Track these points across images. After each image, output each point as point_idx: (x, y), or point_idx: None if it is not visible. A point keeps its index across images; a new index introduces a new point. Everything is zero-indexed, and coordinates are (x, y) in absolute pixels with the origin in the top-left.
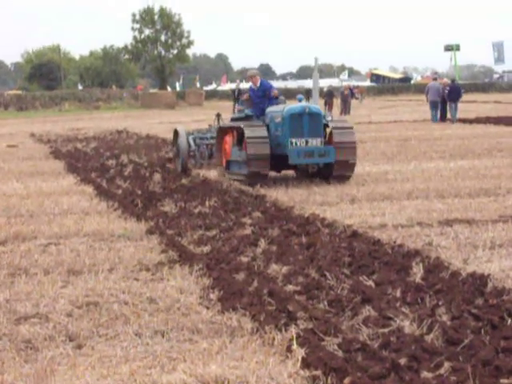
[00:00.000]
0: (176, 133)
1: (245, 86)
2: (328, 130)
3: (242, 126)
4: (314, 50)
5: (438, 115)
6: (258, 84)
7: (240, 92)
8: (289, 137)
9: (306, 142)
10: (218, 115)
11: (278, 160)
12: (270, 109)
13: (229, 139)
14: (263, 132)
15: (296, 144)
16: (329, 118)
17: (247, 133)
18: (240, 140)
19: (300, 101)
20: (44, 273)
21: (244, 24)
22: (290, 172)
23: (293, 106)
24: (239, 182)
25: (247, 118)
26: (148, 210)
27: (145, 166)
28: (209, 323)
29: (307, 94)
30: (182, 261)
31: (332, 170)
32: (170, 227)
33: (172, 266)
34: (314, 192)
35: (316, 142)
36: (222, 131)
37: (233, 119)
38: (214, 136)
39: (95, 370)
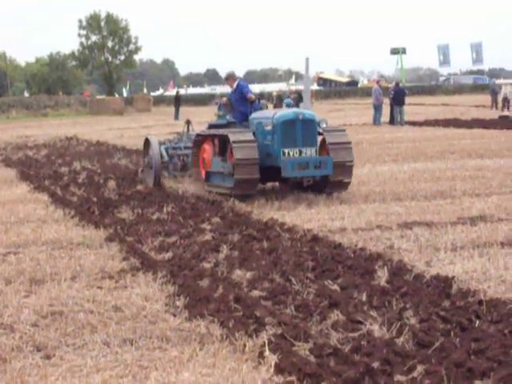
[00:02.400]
0: (147, 142)
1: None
2: (320, 139)
3: (225, 132)
4: (259, 54)
5: (381, 118)
6: (235, 86)
7: (179, 97)
8: (281, 146)
9: (300, 152)
10: (188, 122)
11: (267, 172)
12: (255, 115)
13: (208, 148)
14: (250, 136)
15: (289, 154)
16: (323, 125)
17: (232, 137)
18: (222, 149)
19: (288, 106)
20: (6, 282)
21: (190, 29)
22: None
23: (284, 111)
24: (222, 195)
25: (228, 124)
26: (105, 217)
27: (98, 172)
28: (177, 331)
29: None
30: (144, 268)
31: (328, 176)
32: (129, 234)
33: (135, 273)
34: (271, 197)
35: (310, 152)
36: (200, 139)
37: (211, 126)
38: (188, 146)
39: (66, 381)
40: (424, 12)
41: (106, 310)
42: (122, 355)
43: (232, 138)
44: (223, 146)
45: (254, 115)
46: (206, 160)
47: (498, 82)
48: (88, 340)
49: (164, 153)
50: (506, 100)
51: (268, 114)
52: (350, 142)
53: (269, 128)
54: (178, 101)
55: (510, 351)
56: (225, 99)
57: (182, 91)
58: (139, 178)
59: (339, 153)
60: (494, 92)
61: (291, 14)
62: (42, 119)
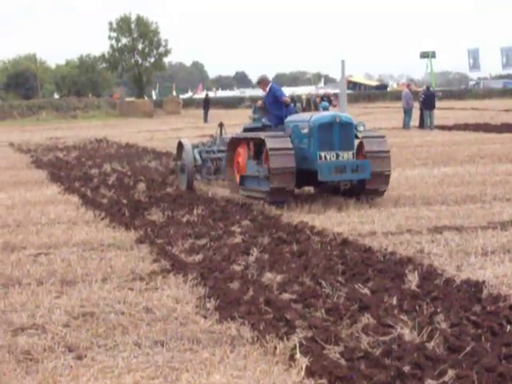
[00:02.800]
0: (180, 146)
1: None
2: (357, 142)
3: (262, 136)
4: (288, 57)
5: (410, 122)
6: (267, 89)
7: (208, 100)
8: (317, 150)
9: (337, 156)
10: (221, 125)
11: (303, 176)
12: (291, 118)
13: (242, 151)
14: (287, 143)
15: (326, 158)
16: (361, 129)
17: (269, 144)
18: (258, 152)
19: (324, 109)
20: (37, 283)
21: (219, 32)
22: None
23: (321, 114)
24: (257, 200)
25: (264, 128)
26: (135, 219)
27: (128, 174)
28: (208, 333)
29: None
30: (175, 270)
31: (364, 184)
32: (160, 236)
33: (165, 275)
34: (301, 200)
35: (348, 156)
36: (234, 143)
37: (246, 129)
38: (221, 149)
39: (98, 381)
40: (454, 16)
41: (136, 312)
42: (153, 356)
43: (269, 144)
44: (258, 150)
45: (290, 118)
46: (240, 164)
47: None
48: (119, 341)
49: (197, 156)
50: None
51: (304, 117)
52: (388, 151)
53: (305, 131)
54: (207, 104)
55: None
56: (260, 102)
57: (212, 94)
58: (171, 181)
59: (377, 162)
60: None
61: (321, 18)
62: (71, 121)
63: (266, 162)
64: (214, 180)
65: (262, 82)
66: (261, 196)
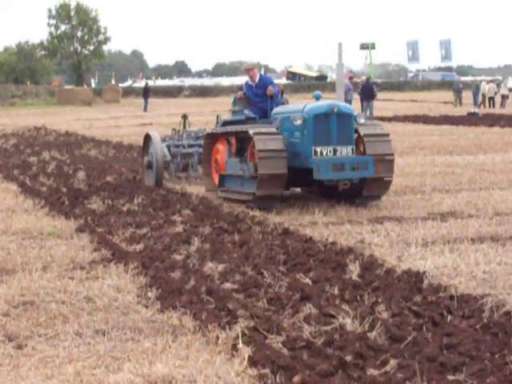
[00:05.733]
0: (148, 139)
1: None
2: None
3: (250, 132)
4: (228, 47)
5: None
6: (257, 79)
7: (147, 89)
8: (312, 144)
9: (334, 151)
10: (185, 117)
11: (293, 175)
12: (278, 109)
13: (222, 148)
14: (278, 143)
15: (321, 153)
16: (361, 121)
17: (259, 144)
18: (241, 149)
19: (318, 98)
20: None
21: (159, 21)
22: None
23: (316, 104)
24: (239, 203)
25: (246, 121)
26: (75, 208)
27: (67, 163)
28: (149, 322)
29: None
30: (115, 259)
31: (362, 188)
32: (100, 225)
33: (106, 264)
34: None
35: (346, 151)
36: (212, 137)
37: (226, 122)
38: (192, 143)
39: (39, 371)
40: (394, 8)
41: (77, 301)
42: (95, 346)
43: (259, 145)
44: (241, 146)
45: (278, 110)
46: (219, 162)
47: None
48: (60, 330)
49: (166, 151)
50: (489, 98)
51: (297, 107)
52: (392, 154)
53: (298, 123)
54: (146, 92)
55: (481, 346)
56: (240, 93)
57: (151, 83)
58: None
59: (379, 167)
60: (458, 90)
61: (261, 7)
62: (9, 109)
63: (251, 159)
64: (184, 178)
65: (251, 70)
66: (244, 198)
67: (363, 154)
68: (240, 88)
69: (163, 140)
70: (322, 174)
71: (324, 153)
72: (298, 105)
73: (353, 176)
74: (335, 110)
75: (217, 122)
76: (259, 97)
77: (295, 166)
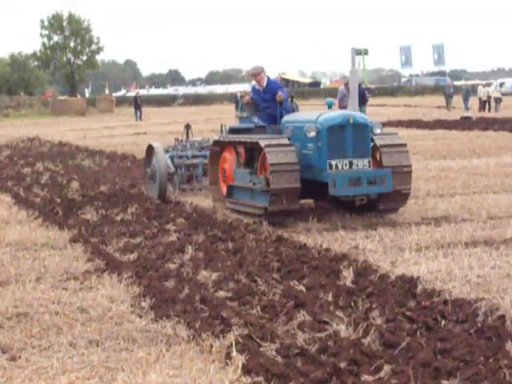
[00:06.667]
0: (151, 150)
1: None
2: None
3: (261, 144)
4: (222, 55)
5: None
6: (265, 84)
7: (139, 99)
8: (326, 157)
9: (350, 164)
10: (188, 126)
11: (307, 186)
12: (289, 118)
13: (230, 157)
14: (291, 156)
15: (337, 167)
16: (378, 131)
17: (271, 158)
18: (250, 159)
19: (330, 106)
20: None
21: (153, 30)
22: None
23: (330, 114)
24: (249, 216)
25: (255, 129)
26: (69, 219)
27: (61, 173)
28: (143, 332)
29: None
30: (109, 269)
31: (378, 200)
32: (94, 235)
33: (100, 274)
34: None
35: (363, 164)
36: (219, 146)
37: (232, 130)
38: (196, 154)
39: (33, 383)
40: (386, 13)
41: (71, 312)
42: (89, 357)
43: (271, 158)
44: (251, 156)
45: (288, 118)
46: (227, 171)
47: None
48: (54, 341)
49: (169, 162)
50: (485, 101)
51: (309, 117)
52: (410, 165)
53: (312, 135)
54: (136, 102)
55: (475, 351)
56: (247, 98)
57: (145, 92)
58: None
59: (396, 178)
60: (449, 94)
61: (253, 16)
62: (3, 120)
63: (262, 171)
64: (188, 189)
65: (258, 75)
66: (255, 212)
67: (380, 166)
68: (236, 96)
69: (166, 151)
70: (338, 189)
71: (339, 166)
72: (311, 114)
73: (370, 191)
74: (351, 121)
75: (221, 132)
76: (267, 102)
77: (308, 179)
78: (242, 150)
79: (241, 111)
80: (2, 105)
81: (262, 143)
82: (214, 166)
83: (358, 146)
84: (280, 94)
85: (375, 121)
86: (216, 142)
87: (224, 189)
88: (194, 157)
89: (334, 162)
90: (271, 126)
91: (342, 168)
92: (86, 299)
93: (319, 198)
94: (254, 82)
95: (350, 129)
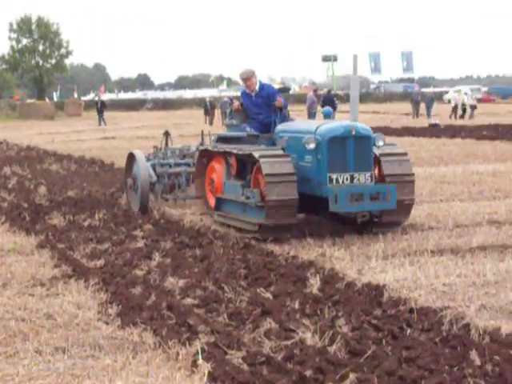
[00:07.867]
0: (132, 158)
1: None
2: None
3: (255, 155)
4: (191, 60)
5: None
6: (257, 87)
7: (103, 104)
8: (326, 171)
9: (351, 179)
10: (167, 134)
11: (304, 200)
12: (283, 127)
13: (218, 167)
14: (287, 166)
15: (337, 181)
16: (380, 143)
17: (266, 168)
18: (242, 170)
19: (328, 115)
20: None
21: (122, 34)
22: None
23: (330, 125)
24: (241, 232)
25: (246, 138)
26: (36, 224)
27: (29, 178)
28: (110, 339)
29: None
30: (76, 275)
31: (380, 214)
32: (61, 241)
33: (67, 280)
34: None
35: (365, 179)
36: (207, 156)
37: (222, 138)
38: (179, 162)
39: None
40: (355, 20)
41: (37, 318)
42: (55, 364)
43: (266, 169)
44: (242, 167)
45: (283, 127)
46: (215, 182)
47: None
48: (20, 348)
49: (151, 171)
50: (456, 107)
51: (307, 127)
52: (412, 174)
53: (311, 147)
54: (100, 107)
55: (440, 359)
56: (237, 104)
57: (113, 96)
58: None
59: (398, 188)
60: (416, 101)
61: (224, 19)
62: None
63: (256, 185)
64: (171, 200)
65: (249, 79)
66: (248, 228)
67: (380, 177)
68: (205, 101)
69: (147, 159)
70: (340, 206)
71: (340, 180)
72: (309, 124)
73: (373, 208)
74: (353, 133)
75: (202, 138)
76: (259, 107)
77: (306, 193)
78: (233, 160)
79: (230, 118)
80: None
81: (257, 154)
82: (201, 178)
83: (359, 158)
84: (279, 100)
85: (377, 133)
86: (203, 151)
87: (212, 201)
88: (177, 165)
89: (334, 176)
90: (263, 135)
91: (343, 182)
92: (53, 306)
93: (317, 211)
94: (240, 87)
95: (351, 141)
